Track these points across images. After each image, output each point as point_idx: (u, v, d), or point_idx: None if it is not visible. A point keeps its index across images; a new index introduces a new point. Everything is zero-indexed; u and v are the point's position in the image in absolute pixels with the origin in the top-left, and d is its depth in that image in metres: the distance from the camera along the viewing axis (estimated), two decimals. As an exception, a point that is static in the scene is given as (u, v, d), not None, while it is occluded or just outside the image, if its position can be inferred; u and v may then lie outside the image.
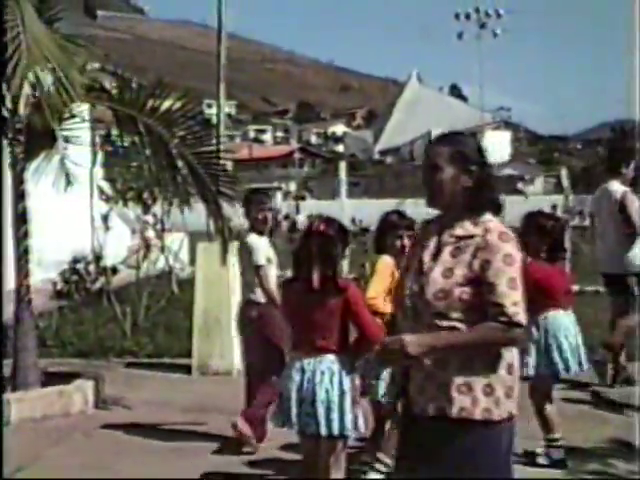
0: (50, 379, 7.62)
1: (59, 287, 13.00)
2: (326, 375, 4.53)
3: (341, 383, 4.55)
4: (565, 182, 16.01)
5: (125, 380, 8.66)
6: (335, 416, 4.51)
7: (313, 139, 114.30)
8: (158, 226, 14.11)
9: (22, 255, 7.58)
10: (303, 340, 4.63)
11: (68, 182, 7.93)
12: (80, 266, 12.85)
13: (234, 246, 8.87)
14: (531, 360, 5.95)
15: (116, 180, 13.86)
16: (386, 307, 5.27)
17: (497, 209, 3.37)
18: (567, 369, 6.02)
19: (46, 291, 12.70)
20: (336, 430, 4.52)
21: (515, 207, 8.41)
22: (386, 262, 5.68)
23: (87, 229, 13.23)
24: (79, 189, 8.50)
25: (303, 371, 4.57)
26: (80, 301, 11.35)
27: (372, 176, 71.07)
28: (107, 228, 12.72)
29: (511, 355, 3.28)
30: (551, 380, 6.18)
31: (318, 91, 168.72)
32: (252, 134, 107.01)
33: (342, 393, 4.54)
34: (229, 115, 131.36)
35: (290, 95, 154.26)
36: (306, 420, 4.54)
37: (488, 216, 3.33)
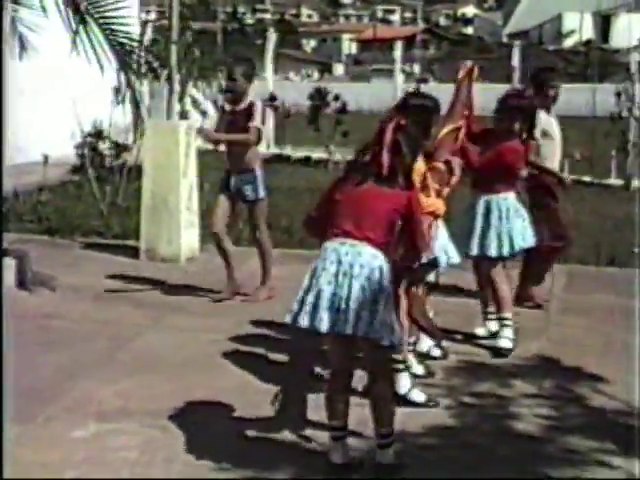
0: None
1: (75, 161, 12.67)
2: (365, 269, 3.99)
3: (380, 282, 4.01)
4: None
5: (70, 261, 8.32)
6: (370, 316, 3.98)
7: (442, 20, 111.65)
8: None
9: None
10: (345, 225, 4.08)
11: (22, 47, 7.38)
12: (92, 141, 12.46)
13: (185, 125, 8.30)
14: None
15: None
16: None
17: None
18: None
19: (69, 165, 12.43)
20: (363, 331, 3.99)
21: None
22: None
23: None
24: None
25: (340, 262, 4.01)
26: (92, 177, 10.97)
27: (497, 59, 68.57)
28: (118, 102, 12.19)
29: None
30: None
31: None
32: (380, 14, 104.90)
33: (379, 292, 4.01)
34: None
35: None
36: (337, 317, 3.99)
37: None
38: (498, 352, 5.99)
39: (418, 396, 5.10)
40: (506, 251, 6.07)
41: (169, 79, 8.72)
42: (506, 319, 6.10)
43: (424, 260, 4.83)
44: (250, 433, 4.71)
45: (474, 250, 6.10)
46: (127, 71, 6.85)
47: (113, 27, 6.51)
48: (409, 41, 78.91)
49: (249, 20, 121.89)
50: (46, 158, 10.86)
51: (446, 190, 5.33)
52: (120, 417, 4.84)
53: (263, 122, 7.04)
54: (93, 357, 5.77)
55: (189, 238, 8.55)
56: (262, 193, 7.13)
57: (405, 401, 5.00)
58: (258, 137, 7.01)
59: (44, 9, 6.73)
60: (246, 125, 6.97)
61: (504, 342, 6.04)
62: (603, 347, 6.24)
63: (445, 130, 5.47)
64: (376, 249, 4.06)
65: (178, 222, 8.34)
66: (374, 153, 4.14)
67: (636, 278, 7.71)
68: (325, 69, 78.01)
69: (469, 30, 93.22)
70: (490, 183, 6.08)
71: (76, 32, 6.30)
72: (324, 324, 4.01)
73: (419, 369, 5.45)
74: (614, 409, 5.15)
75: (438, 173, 5.26)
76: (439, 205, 5.19)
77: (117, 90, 11.99)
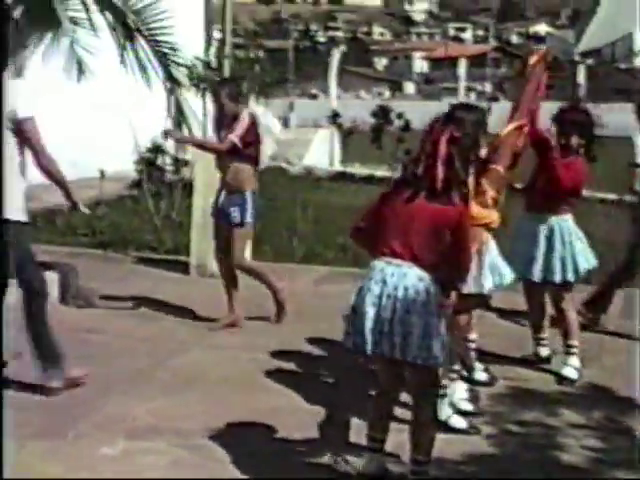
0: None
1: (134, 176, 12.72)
2: (410, 291, 3.85)
3: (426, 305, 3.86)
4: None
5: (120, 275, 8.32)
6: (414, 340, 3.85)
7: (514, 39, 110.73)
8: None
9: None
10: (391, 244, 3.94)
11: (80, 70, 7.35)
12: (150, 156, 12.51)
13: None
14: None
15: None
16: None
17: None
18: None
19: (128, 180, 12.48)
20: (411, 357, 3.88)
21: None
22: None
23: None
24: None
25: (384, 283, 3.89)
26: (147, 192, 11.00)
27: (569, 78, 67.84)
28: (169, 116, 12.17)
29: None
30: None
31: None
32: (452, 32, 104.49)
33: (426, 315, 3.87)
34: (430, 13, 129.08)
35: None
36: (384, 340, 3.89)
37: None
38: (561, 380, 5.79)
39: (459, 422, 4.92)
40: (570, 275, 5.81)
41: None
42: (573, 347, 5.86)
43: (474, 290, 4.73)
44: (285, 455, 4.58)
45: (536, 276, 5.82)
46: (172, 83, 6.81)
47: (157, 38, 6.47)
48: (480, 59, 78.64)
49: (321, 38, 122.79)
50: (102, 173, 10.91)
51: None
52: (151, 436, 4.74)
53: (256, 139, 6.67)
54: (130, 374, 5.69)
55: (239, 254, 8.46)
56: (249, 218, 6.71)
57: (445, 427, 4.83)
58: (235, 150, 6.57)
59: (93, 27, 6.71)
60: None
61: (570, 372, 5.80)
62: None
63: (509, 128, 5.14)
64: (423, 270, 3.90)
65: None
66: (427, 166, 3.95)
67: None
68: (396, 87, 78.02)
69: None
70: (551, 203, 5.82)
71: (124, 47, 6.26)
72: (368, 346, 3.93)
73: (468, 405, 5.20)
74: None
75: (496, 178, 4.95)
76: (494, 217, 4.90)
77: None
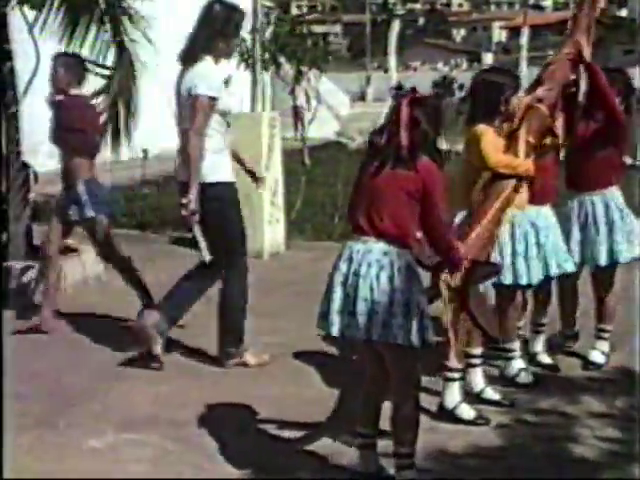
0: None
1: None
2: (373, 268, 3.64)
3: (390, 280, 3.62)
4: None
5: (150, 255, 8.19)
6: (378, 320, 3.60)
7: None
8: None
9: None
10: (359, 221, 3.73)
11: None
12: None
13: (268, 117, 8.05)
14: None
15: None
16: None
17: None
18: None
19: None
20: (377, 336, 3.63)
21: None
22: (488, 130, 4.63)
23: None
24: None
25: (350, 260, 3.70)
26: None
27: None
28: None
29: None
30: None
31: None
32: (532, 0, 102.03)
33: (392, 292, 3.61)
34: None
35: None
36: (349, 321, 3.68)
37: None
38: (587, 364, 5.47)
39: (467, 412, 4.63)
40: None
41: (254, 68, 8.45)
42: (606, 331, 5.54)
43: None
44: (278, 445, 4.37)
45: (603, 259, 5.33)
46: None
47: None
48: (561, 27, 76.45)
49: (399, 11, 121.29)
50: (146, 152, 10.81)
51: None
52: (142, 427, 4.56)
53: (85, 125, 6.01)
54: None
55: (273, 234, 8.30)
56: (89, 213, 6.05)
57: (452, 417, 4.57)
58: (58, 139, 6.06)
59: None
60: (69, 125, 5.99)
61: (597, 356, 5.49)
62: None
63: (561, 55, 4.76)
64: (391, 244, 3.64)
65: (261, 217, 8.09)
66: (390, 134, 3.72)
67: None
68: (474, 58, 76.77)
69: (623, 12, 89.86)
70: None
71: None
72: (334, 328, 3.71)
73: (494, 394, 4.88)
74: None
75: (538, 119, 4.56)
76: (529, 166, 4.52)
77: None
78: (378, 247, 3.64)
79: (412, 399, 3.81)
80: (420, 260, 3.81)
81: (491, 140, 4.56)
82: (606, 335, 5.53)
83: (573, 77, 4.81)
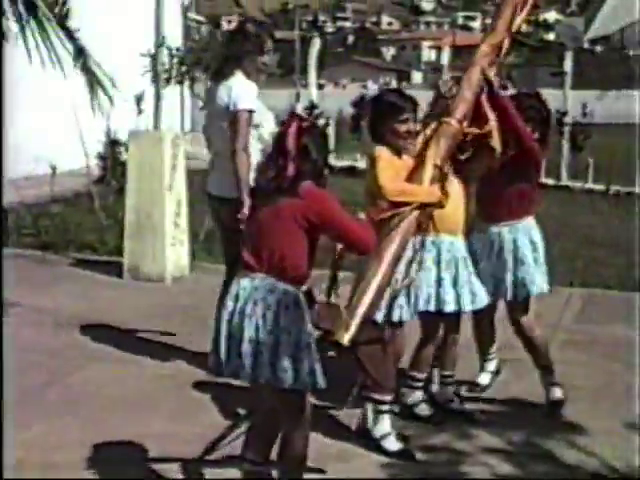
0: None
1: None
2: (259, 307, 3.44)
3: (277, 320, 3.43)
4: None
5: (50, 279, 7.89)
6: (264, 361, 3.43)
7: (523, 27, 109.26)
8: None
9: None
10: (246, 256, 3.54)
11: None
12: (101, 152, 12.13)
13: (171, 135, 7.80)
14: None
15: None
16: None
17: None
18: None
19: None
20: (263, 379, 3.47)
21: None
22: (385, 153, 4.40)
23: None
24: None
25: (237, 298, 3.49)
26: (94, 190, 10.56)
27: (574, 66, 67.18)
28: (140, 111, 11.73)
29: None
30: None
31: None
32: (461, 21, 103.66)
33: (279, 332, 3.43)
34: (439, 1, 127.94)
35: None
36: (235, 362, 3.50)
37: None
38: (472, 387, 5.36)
39: (392, 444, 4.49)
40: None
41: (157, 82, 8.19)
42: (491, 353, 5.48)
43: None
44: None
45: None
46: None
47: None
48: (489, 48, 77.58)
49: (329, 28, 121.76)
50: (54, 169, 10.45)
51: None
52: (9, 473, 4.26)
53: None
54: (20, 394, 5.15)
55: (176, 256, 8.02)
56: None
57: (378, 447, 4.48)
58: None
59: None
60: None
61: (482, 377, 5.43)
62: (601, 390, 5.48)
63: (482, 48, 4.63)
64: (280, 280, 3.46)
65: (163, 239, 7.82)
66: (278, 167, 3.53)
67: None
68: (404, 77, 77.38)
69: (550, 36, 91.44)
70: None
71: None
72: (222, 368, 3.56)
73: (425, 409, 4.90)
74: (594, 469, 4.40)
75: (450, 136, 4.29)
76: (432, 192, 4.19)
77: (138, 99, 11.56)
78: (264, 284, 3.47)
79: (301, 438, 3.65)
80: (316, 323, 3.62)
81: (386, 166, 4.28)
82: (491, 356, 5.43)
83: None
